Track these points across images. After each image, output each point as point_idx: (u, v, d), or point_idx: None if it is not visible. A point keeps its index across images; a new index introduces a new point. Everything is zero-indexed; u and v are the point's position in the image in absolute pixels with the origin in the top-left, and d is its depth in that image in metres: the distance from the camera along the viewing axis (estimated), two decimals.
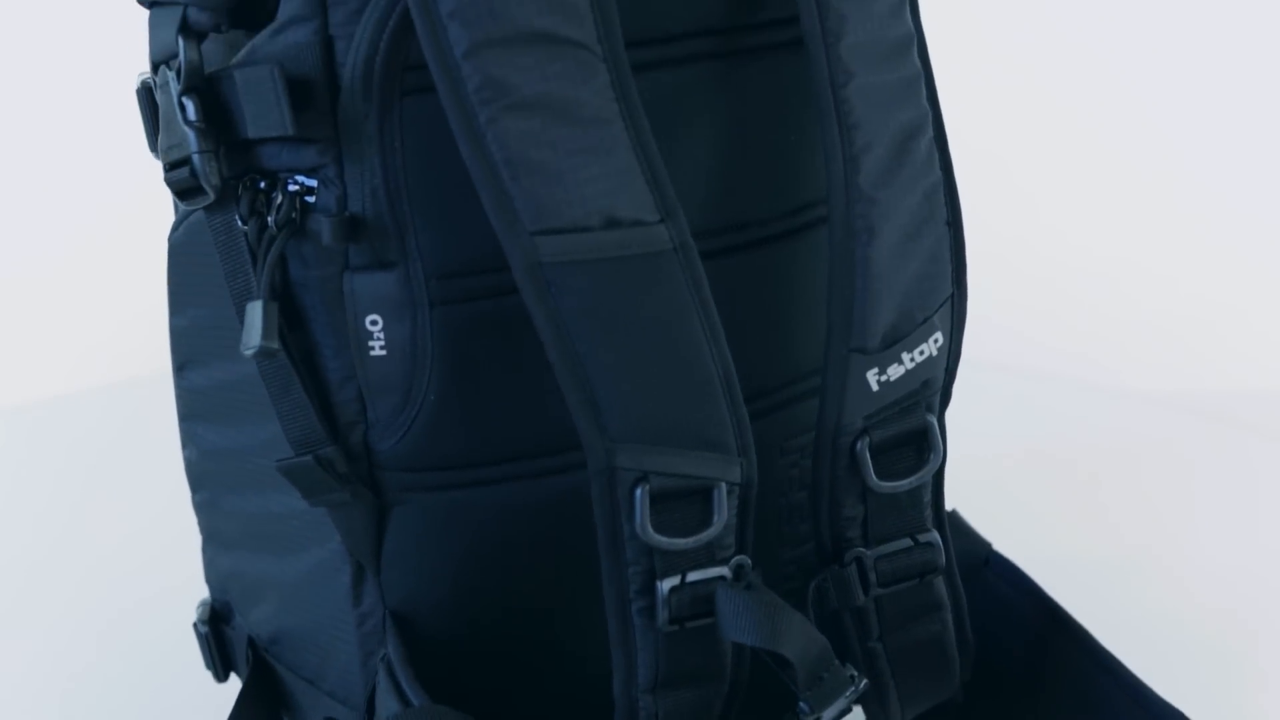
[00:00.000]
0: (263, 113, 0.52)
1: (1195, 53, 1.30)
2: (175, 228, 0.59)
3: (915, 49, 0.57)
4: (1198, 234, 1.26)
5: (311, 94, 0.52)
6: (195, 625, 0.66)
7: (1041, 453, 0.96)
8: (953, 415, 0.60)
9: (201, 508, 0.65)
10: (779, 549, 0.64)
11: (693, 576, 0.53)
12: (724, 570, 0.53)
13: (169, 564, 0.73)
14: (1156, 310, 1.19)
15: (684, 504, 0.52)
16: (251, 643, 0.64)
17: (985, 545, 0.67)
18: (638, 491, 0.51)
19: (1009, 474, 0.92)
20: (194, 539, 0.67)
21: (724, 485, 0.53)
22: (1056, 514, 0.88)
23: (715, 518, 0.52)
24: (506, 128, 0.49)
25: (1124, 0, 1.32)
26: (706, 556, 0.53)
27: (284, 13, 0.52)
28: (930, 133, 0.57)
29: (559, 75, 0.50)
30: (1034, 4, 1.35)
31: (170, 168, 0.55)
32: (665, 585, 0.52)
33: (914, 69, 0.56)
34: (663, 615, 0.52)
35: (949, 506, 0.68)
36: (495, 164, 0.49)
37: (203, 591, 0.67)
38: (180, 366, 0.62)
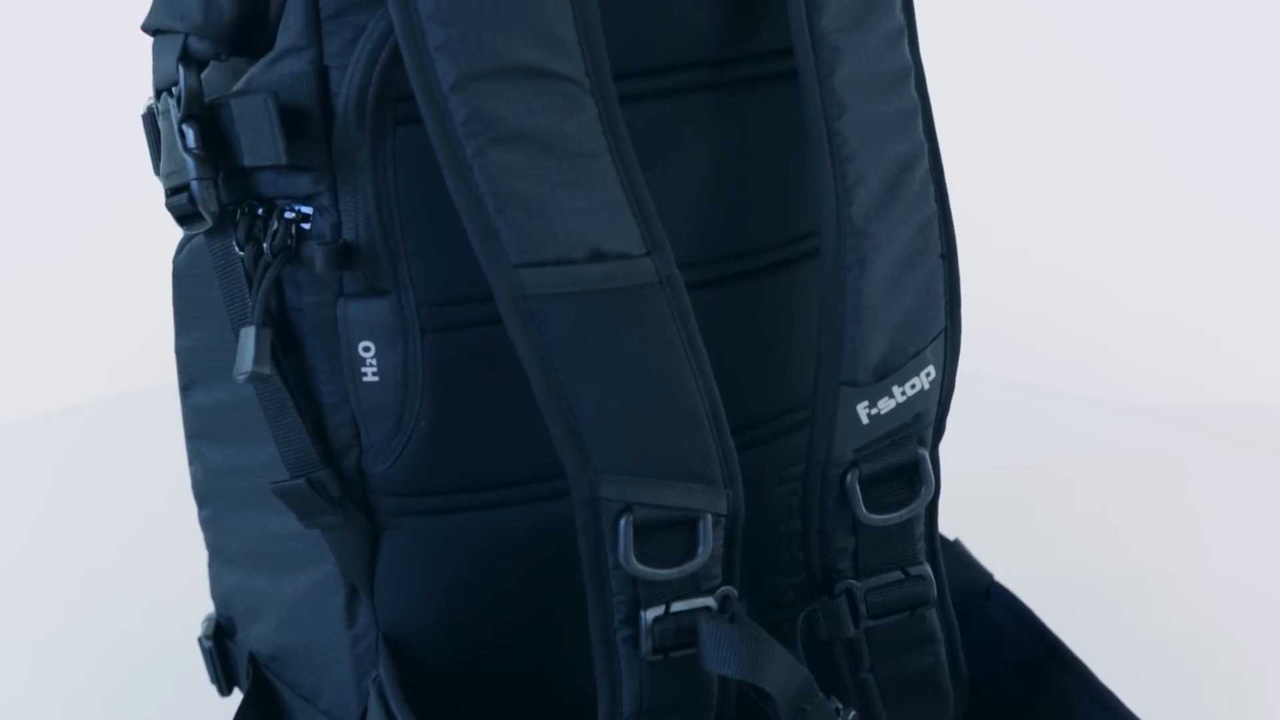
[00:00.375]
0: (257, 141, 0.53)
1: (1197, 65, 1.30)
2: (179, 250, 0.60)
3: (913, 81, 0.57)
4: (1198, 246, 1.26)
5: (306, 123, 0.53)
6: (200, 640, 0.67)
7: (1043, 468, 0.95)
8: (956, 428, 0.59)
9: (207, 524, 0.66)
10: (778, 576, 0.64)
11: (677, 606, 0.53)
12: (709, 601, 0.53)
13: (175, 575, 0.74)
14: (1158, 322, 1.18)
15: (668, 535, 0.53)
16: (252, 658, 0.64)
17: (986, 576, 0.66)
18: (621, 522, 0.52)
19: (1013, 489, 0.92)
20: (197, 551, 0.68)
21: (709, 517, 0.53)
22: (1059, 530, 0.87)
23: (700, 549, 0.53)
24: (492, 160, 0.50)
25: (1127, 11, 1.31)
26: (692, 587, 0.53)
27: (281, 42, 0.53)
28: (926, 165, 0.57)
29: (546, 109, 0.50)
30: (1038, 15, 1.34)
31: (171, 193, 0.55)
32: (649, 615, 0.53)
33: (910, 101, 0.56)
34: (646, 645, 0.53)
35: (952, 535, 0.68)
36: (480, 196, 0.50)
37: (206, 605, 0.68)
38: (185, 386, 0.63)
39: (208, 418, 0.62)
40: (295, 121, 0.53)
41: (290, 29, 0.53)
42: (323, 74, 0.53)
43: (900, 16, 0.57)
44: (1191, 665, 0.74)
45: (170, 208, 0.56)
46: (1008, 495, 0.90)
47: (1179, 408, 1.09)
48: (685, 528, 0.53)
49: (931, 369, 0.56)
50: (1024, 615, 0.64)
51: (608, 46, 0.53)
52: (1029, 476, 0.93)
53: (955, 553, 0.67)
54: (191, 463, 0.65)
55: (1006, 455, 0.95)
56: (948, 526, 0.63)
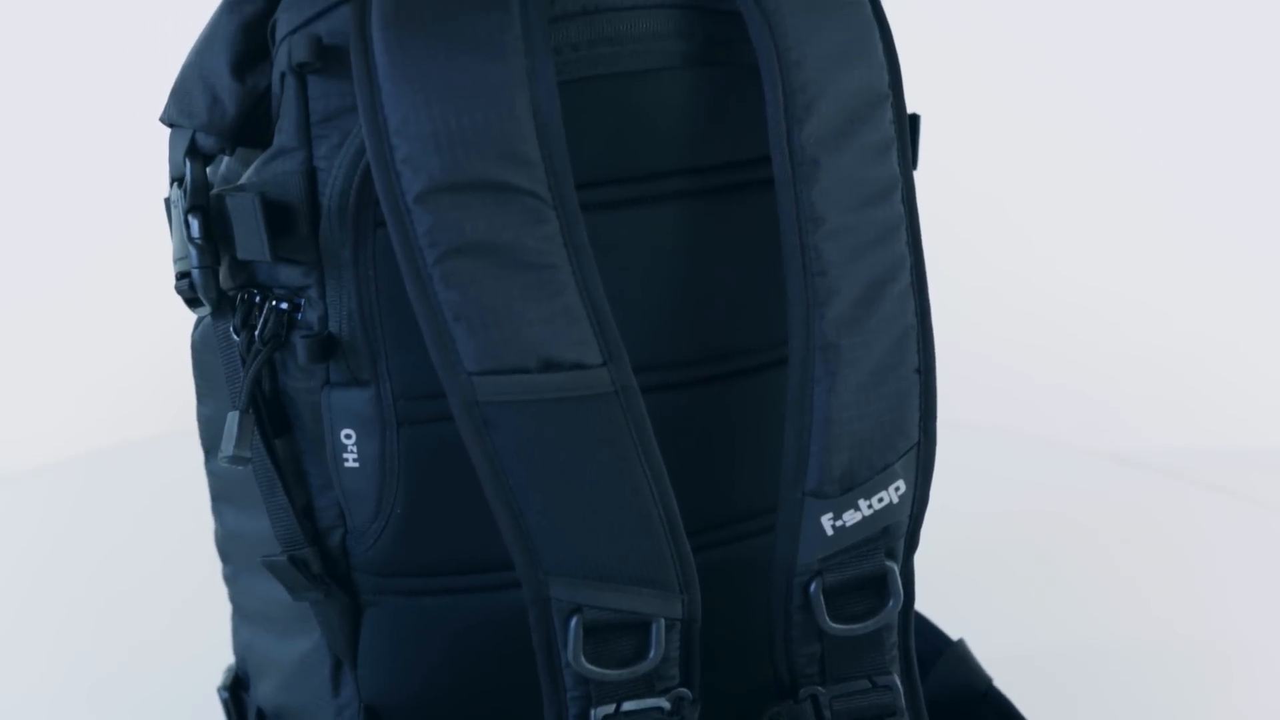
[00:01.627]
0: (247, 238, 0.56)
1: (1189, 113, 1.28)
2: (195, 326, 0.63)
3: (899, 193, 0.57)
4: (1194, 295, 1.25)
5: (294, 220, 0.55)
6: (219, 689, 0.70)
7: (1042, 514, 0.94)
8: (959, 478, 0.59)
9: (228, 580, 0.69)
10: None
11: (629, 706, 0.54)
12: (662, 702, 0.54)
13: (206, 619, 0.77)
14: (1158, 372, 1.18)
15: (619, 636, 0.54)
16: (260, 713, 0.67)
17: (985, 680, 0.66)
18: (572, 622, 0.53)
19: (1018, 539, 0.91)
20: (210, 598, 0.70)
21: (662, 621, 0.54)
22: (1066, 589, 0.86)
23: (651, 652, 0.54)
24: (451, 270, 0.51)
25: (1130, 38, 1.30)
26: (645, 687, 0.54)
27: (276, 142, 0.56)
28: (906, 279, 0.56)
29: (507, 222, 0.52)
30: (1039, 42, 1.32)
31: (179, 277, 0.58)
32: (599, 713, 0.54)
33: (894, 214, 0.56)
34: None
35: (956, 635, 0.68)
36: (438, 304, 0.52)
37: (222, 655, 0.71)
38: (207, 450, 0.66)
39: (225, 482, 0.65)
40: (283, 219, 0.55)
41: (284, 131, 0.55)
42: (311, 175, 0.55)
43: (889, 129, 0.57)
44: None
45: (177, 290, 0.59)
46: (1013, 546, 0.89)
47: (1166, 454, 1.08)
48: (637, 630, 0.54)
49: (901, 484, 0.56)
50: None
51: (593, 154, 0.55)
52: (1031, 527, 0.92)
53: (958, 653, 0.67)
54: (215, 521, 0.68)
55: (1007, 503, 0.95)
56: (945, 580, 0.63)
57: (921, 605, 0.62)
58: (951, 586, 0.74)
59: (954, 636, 0.68)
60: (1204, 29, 1.28)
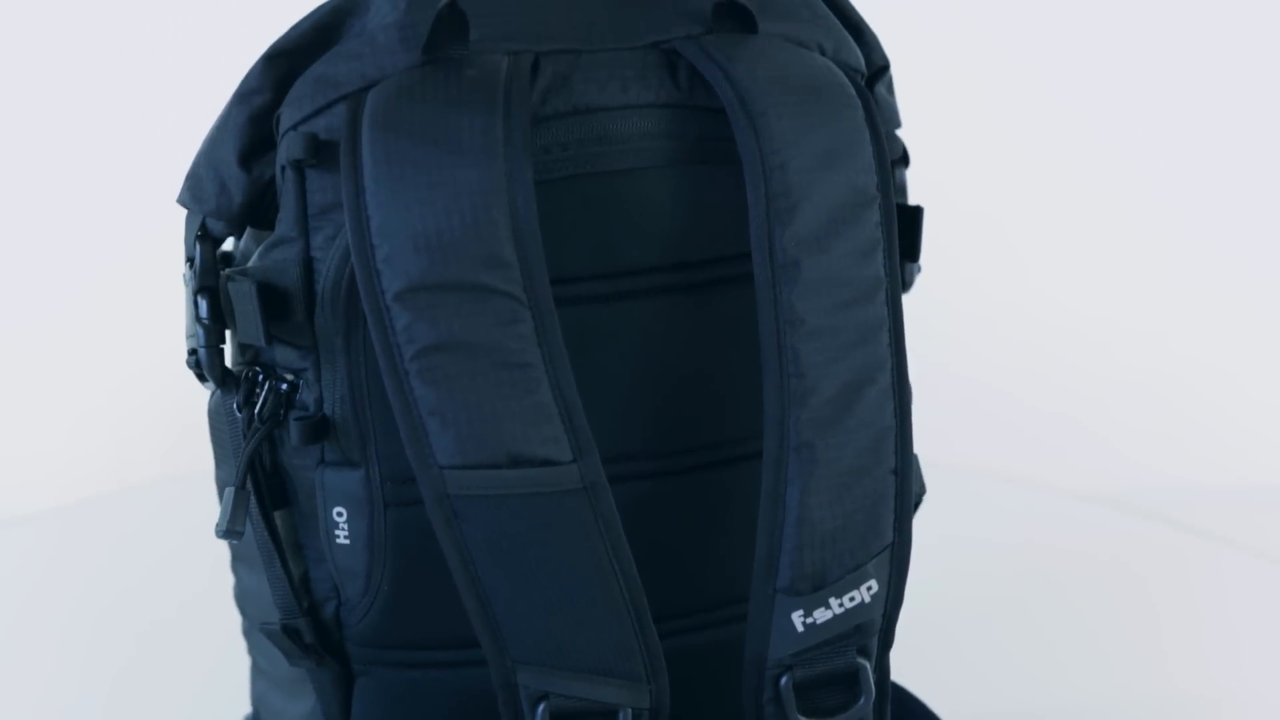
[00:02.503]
0: (245, 322, 0.58)
1: (1168, 143, 1.27)
2: (211, 395, 0.65)
3: (883, 294, 0.57)
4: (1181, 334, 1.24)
5: (291, 306, 0.57)
6: None
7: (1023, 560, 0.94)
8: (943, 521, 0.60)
9: (245, 633, 0.71)
10: None
11: None
12: None
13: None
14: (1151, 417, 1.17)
15: None
16: None
17: None
18: (539, 708, 0.55)
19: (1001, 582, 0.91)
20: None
21: (629, 710, 0.55)
22: (1048, 645, 0.86)
23: None
24: (426, 366, 0.53)
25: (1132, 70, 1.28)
26: None
27: (277, 230, 0.58)
28: (886, 380, 0.57)
29: (481, 322, 0.53)
30: (1035, 75, 1.31)
31: (189, 353, 0.61)
32: None
33: (877, 314, 0.57)
34: None
35: (937, 689, 0.68)
36: (414, 400, 0.53)
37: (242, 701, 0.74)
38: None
39: (241, 543, 0.68)
40: (282, 304, 0.57)
41: (284, 221, 0.57)
42: (308, 264, 0.57)
43: (876, 230, 0.57)
44: None
45: (188, 365, 0.61)
46: (995, 598, 0.89)
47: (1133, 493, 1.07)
48: (604, 718, 0.55)
49: (874, 583, 0.57)
50: None
51: (579, 250, 0.56)
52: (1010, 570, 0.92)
53: None
54: (233, 576, 0.71)
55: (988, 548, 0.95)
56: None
57: (898, 653, 0.62)
58: (929, 638, 0.75)
59: (935, 688, 0.68)
60: (1210, 52, 1.26)
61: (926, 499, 0.67)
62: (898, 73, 0.66)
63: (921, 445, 0.64)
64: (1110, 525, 1.02)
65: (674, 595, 0.59)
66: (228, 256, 0.62)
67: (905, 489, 0.57)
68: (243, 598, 0.69)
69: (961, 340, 1.17)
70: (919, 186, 0.69)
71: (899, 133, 0.67)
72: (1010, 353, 1.23)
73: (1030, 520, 1.02)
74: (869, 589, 0.57)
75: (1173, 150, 1.27)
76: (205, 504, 0.67)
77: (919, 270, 0.67)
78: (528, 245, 0.53)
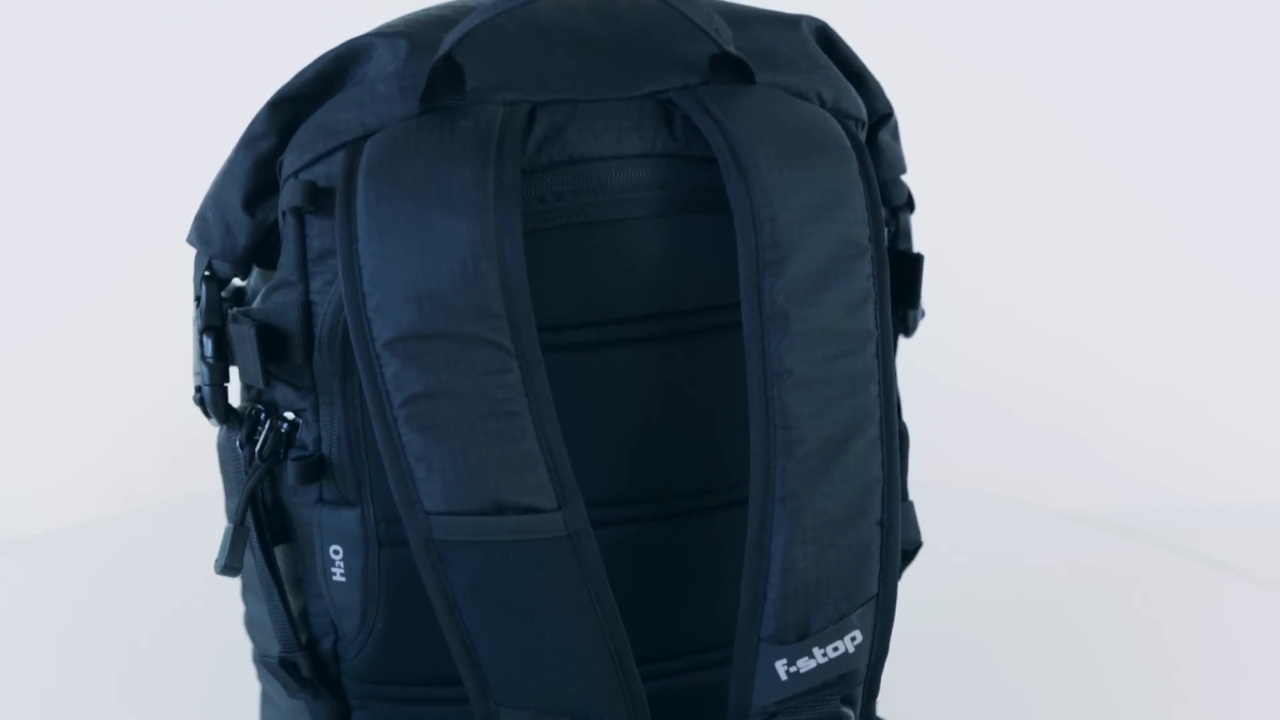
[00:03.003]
0: (245, 362, 0.59)
1: (1152, 166, 1.27)
2: (219, 430, 0.67)
3: (874, 346, 0.57)
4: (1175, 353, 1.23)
5: (289, 349, 0.59)
6: None
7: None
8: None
9: (254, 660, 0.73)
10: None
11: None
12: None
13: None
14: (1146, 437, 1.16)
15: None
16: None
17: None
18: None
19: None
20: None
21: None
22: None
23: None
24: (414, 414, 0.54)
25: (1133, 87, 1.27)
26: None
27: (278, 274, 0.59)
28: (874, 432, 0.57)
29: (469, 371, 0.54)
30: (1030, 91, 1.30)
31: (195, 390, 0.62)
32: None
33: (866, 366, 0.57)
34: None
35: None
36: (401, 446, 0.54)
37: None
38: None
39: (248, 573, 0.69)
40: (280, 346, 0.59)
41: (284, 265, 0.59)
42: (307, 307, 0.58)
43: (868, 283, 0.57)
44: None
45: (194, 402, 0.63)
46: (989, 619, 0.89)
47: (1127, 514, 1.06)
48: None
49: (858, 634, 0.57)
50: None
51: (570, 298, 0.57)
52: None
53: None
54: (243, 603, 0.72)
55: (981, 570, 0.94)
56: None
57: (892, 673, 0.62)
58: (925, 658, 0.75)
59: (930, 709, 0.68)
60: (1212, 69, 1.25)
61: (920, 513, 0.68)
62: (898, 93, 0.66)
63: (916, 459, 0.64)
64: (1109, 547, 1.01)
65: (659, 638, 0.60)
66: (240, 292, 0.64)
67: (891, 541, 0.58)
68: (251, 626, 0.71)
69: (959, 357, 1.16)
70: (918, 191, 0.68)
71: (904, 178, 0.67)
72: (1009, 370, 1.23)
73: (1026, 540, 1.01)
74: (853, 639, 0.57)
75: (1173, 168, 1.27)
76: (212, 526, 0.68)
77: (923, 315, 0.67)
78: (515, 296, 0.54)
